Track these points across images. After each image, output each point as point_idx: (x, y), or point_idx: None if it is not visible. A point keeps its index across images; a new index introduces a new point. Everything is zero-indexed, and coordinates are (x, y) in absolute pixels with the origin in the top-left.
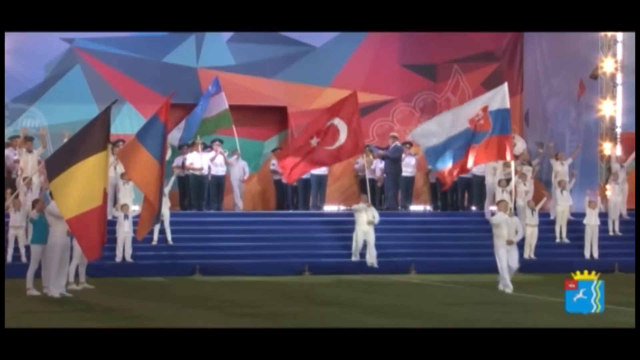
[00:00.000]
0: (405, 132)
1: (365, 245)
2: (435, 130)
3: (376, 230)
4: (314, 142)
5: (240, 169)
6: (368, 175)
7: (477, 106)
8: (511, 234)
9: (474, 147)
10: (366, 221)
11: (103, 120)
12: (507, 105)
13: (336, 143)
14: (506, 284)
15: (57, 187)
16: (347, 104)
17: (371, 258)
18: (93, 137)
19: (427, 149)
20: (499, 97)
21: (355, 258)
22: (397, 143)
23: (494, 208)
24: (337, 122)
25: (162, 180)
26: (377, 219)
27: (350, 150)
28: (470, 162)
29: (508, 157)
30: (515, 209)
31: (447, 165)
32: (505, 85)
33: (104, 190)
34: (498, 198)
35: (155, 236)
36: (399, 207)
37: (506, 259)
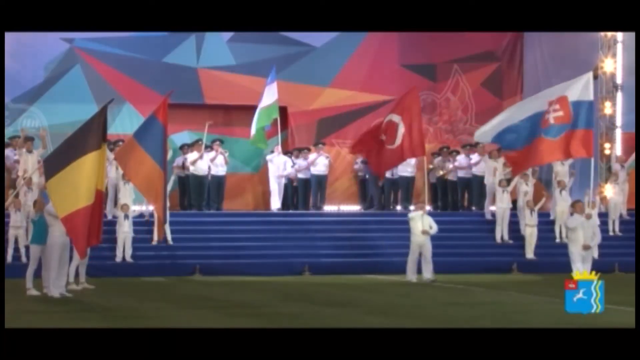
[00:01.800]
0: None
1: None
2: (504, 117)
3: (375, 230)
4: (383, 137)
5: (281, 164)
6: (368, 176)
7: (556, 92)
8: (587, 237)
9: (548, 141)
10: (421, 230)
11: (99, 120)
12: (591, 96)
13: (396, 142)
14: None
15: (53, 187)
16: (407, 101)
17: (427, 272)
18: (89, 136)
19: (499, 133)
20: (582, 87)
21: (411, 277)
22: None
23: (493, 208)
24: (397, 119)
25: (166, 185)
26: (434, 228)
27: (410, 150)
28: (546, 157)
29: (591, 153)
30: (514, 209)
31: (517, 147)
32: (590, 75)
33: (96, 189)
34: (498, 198)
35: (155, 236)
36: (396, 207)
37: (582, 268)
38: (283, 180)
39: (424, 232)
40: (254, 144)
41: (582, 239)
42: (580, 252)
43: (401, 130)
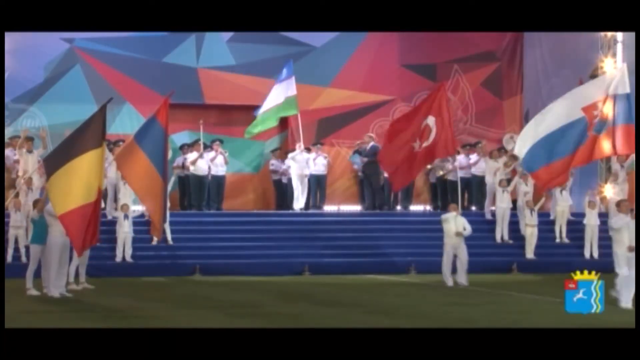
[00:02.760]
0: None
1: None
2: (533, 131)
3: (375, 230)
4: (418, 145)
5: (304, 162)
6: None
7: (595, 93)
8: (632, 239)
9: (597, 137)
10: (454, 232)
11: (99, 118)
12: (627, 89)
13: (428, 140)
14: (621, 298)
15: (52, 185)
16: (437, 99)
17: (462, 277)
18: (88, 134)
19: (526, 151)
20: (620, 81)
21: (448, 281)
22: (373, 143)
23: (493, 208)
24: (430, 120)
25: (165, 190)
26: (468, 230)
27: (441, 149)
28: (595, 155)
29: (633, 148)
30: (514, 209)
31: (549, 162)
32: (625, 67)
33: (98, 188)
34: (498, 198)
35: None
36: (396, 207)
37: (627, 271)
38: (306, 180)
39: (458, 234)
40: (251, 131)
41: (627, 240)
42: (626, 255)
43: (434, 129)
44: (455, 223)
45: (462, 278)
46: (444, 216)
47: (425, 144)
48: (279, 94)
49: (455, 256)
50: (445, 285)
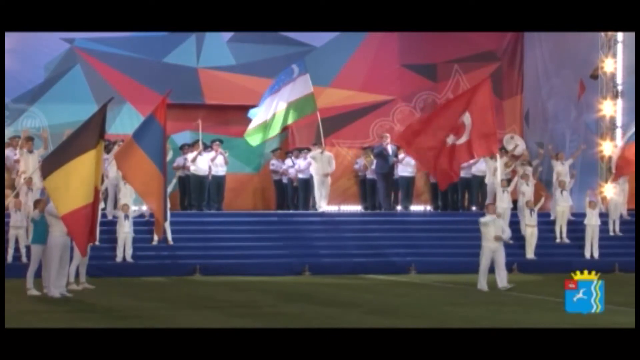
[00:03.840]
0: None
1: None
2: None
3: (375, 230)
4: (452, 140)
5: (325, 162)
6: (368, 176)
7: None
8: None
9: None
10: (494, 236)
11: (98, 119)
12: None
13: (462, 137)
14: None
15: (51, 185)
16: (477, 94)
17: (501, 281)
18: (87, 135)
19: None
20: None
21: (481, 286)
22: (391, 144)
23: None
24: (465, 116)
25: (166, 188)
26: (507, 233)
27: (479, 148)
28: None
29: None
30: (515, 208)
31: None
32: None
33: (95, 188)
34: (499, 198)
35: (155, 236)
36: (396, 207)
37: None
38: (328, 179)
39: (497, 238)
40: (250, 136)
41: None
42: None
43: (469, 125)
44: (494, 226)
45: (504, 281)
46: (483, 219)
47: (459, 141)
48: (290, 94)
49: (492, 260)
50: (481, 290)
